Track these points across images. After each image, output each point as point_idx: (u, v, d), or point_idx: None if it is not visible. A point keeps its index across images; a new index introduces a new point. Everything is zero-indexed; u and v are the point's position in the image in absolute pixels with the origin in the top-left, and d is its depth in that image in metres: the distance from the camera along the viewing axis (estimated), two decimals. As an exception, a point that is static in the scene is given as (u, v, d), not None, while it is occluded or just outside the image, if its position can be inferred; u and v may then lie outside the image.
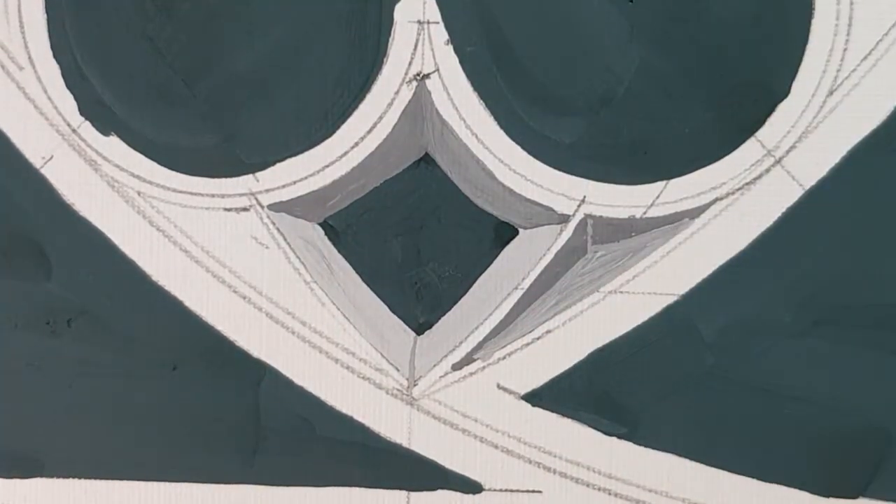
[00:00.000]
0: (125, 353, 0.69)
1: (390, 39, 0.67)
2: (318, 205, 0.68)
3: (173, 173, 0.68)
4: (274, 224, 0.68)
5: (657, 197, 0.67)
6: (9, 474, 0.70)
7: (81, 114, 0.68)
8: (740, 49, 0.66)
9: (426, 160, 0.68)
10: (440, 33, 0.67)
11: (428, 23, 0.66)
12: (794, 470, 0.68)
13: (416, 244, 0.69)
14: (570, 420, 0.69)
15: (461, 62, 0.67)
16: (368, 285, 0.69)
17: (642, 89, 0.66)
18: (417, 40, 0.67)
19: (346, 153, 0.68)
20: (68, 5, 0.67)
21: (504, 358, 0.69)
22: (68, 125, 0.68)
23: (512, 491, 0.69)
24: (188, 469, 0.70)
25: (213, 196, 0.68)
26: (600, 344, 0.68)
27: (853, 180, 0.67)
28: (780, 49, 0.66)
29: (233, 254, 0.68)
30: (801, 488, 0.68)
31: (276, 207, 0.68)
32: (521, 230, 0.68)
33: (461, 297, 0.69)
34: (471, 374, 0.69)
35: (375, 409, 0.69)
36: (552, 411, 0.69)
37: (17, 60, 0.67)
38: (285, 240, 0.68)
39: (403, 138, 0.68)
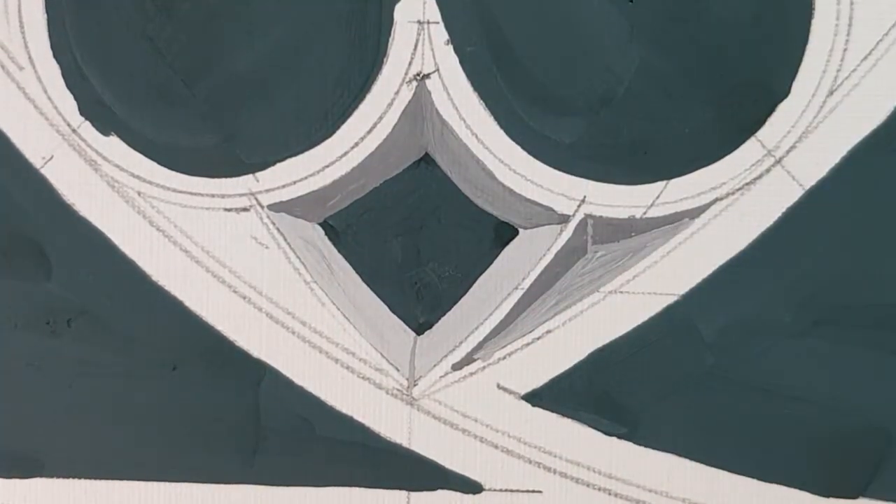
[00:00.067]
0: (125, 353, 0.69)
1: (390, 39, 0.67)
2: (318, 205, 0.68)
3: (173, 173, 0.68)
4: (274, 224, 0.68)
5: (657, 197, 0.67)
6: (9, 474, 0.70)
7: (81, 114, 0.68)
8: (740, 49, 0.66)
9: (426, 160, 0.68)
10: (440, 33, 0.67)
11: (428, 23, 0.66)
12: (794, 470, 0.68)
13: (416, 244, 0.69)
14: (570, 420, 0.69)
15: (461, 62, 0.67)
16: (368, 285, 0.69)
17: (642, 89, 0.66)
18: (417, 40, 0.67)
19: (346, 153, 0.68)
20: (68, 5, 0.67)
21: (504, 358, 0.69)
22: (68, 125, 0.68)
23: (512, 491, 0.69)
24: (188, 469, 0.70)
25: (213, 196, 0.68)
26: (600, 344, 0.68)
27: (853, 180, 0.67)
28: (780, 49, 0.66)
29: (233, 254, 0.68)
30: (801, 488, 0.68)
31: (276, 207, 0.68)
32: (521, 230, 0.68)
33: (461, 297, 0.69)
34: (471, 374, 0.69)
35: (375, 409, 0.69)
36: (552, 411, 0.69)
37: (17, 60, 0.67)
38: (285, 240, 0.68)
39: (403, 138, 0.68)
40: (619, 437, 0.69)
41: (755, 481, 0.68)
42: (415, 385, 0.69)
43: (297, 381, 0.69)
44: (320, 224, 0.69)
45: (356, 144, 0.67)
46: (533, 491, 0.69)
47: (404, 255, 0.69)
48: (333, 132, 0.67)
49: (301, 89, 0.67)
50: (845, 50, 0.66)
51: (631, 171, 0.67)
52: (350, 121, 0.67)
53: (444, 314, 0.69)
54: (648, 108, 0.67)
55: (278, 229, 0.68)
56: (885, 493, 0.68)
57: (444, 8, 0.66)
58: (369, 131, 0.67)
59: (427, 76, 0.67)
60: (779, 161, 0.67)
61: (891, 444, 0.68)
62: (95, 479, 0.70)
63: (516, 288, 0.68)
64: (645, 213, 0.67)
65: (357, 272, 0.69)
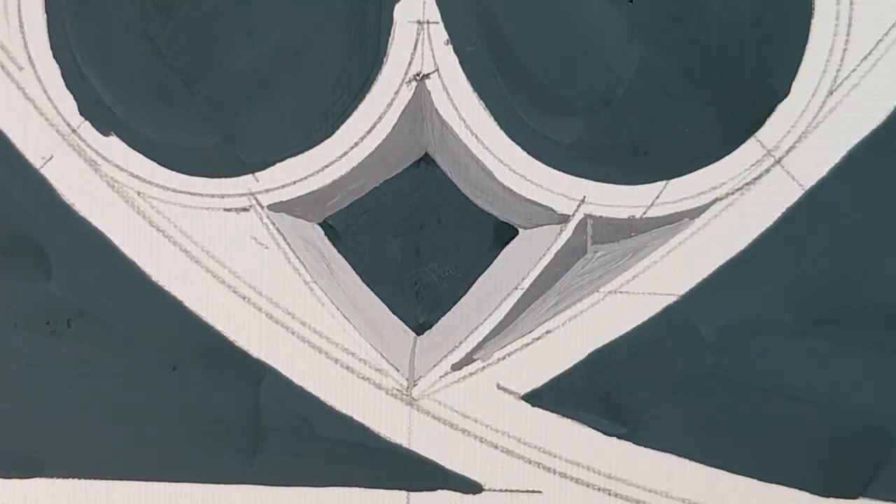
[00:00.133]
0: (125, 353, 0.69)
1: (390, 39, 0.67)
2: (318, 205, 0.68)
3: (173, 173, 0.68)
4: (274, 224, 0.68)
5: (657, 197, 0.67)
6: (9, 474, 0.70)
7: (81, 114, 0.68)
8: (740, 49, 0.66)
9: (426, 160, 0.68)
10: (440, 33, 0.67)
11: (428, 23, 0.66)
12: (794, 470, 0.68)
13: (416, 244, 0.69)
14: (570, 420, 0.69)
15: (461, 62, 0.67)
16: (368, 285, 0.69)
17: (642, 89, 0.66)
18: (417, 40, 0.67)
19: (345, 153, 0.68)
20: (68, 5, 0.67)
21: (504, 358, 0.69)
22: (68, 125, 0.68)
23: (512, 491, 0.69)
24: (188, 469, 0.70)
25: (213, 196, 0.68)
26: (600, 344, 0.68)
27: (853, 180, 0.67)
28: (780, 49, 0.66)
29: (233, 254, 0.68)
30: (801, 488, 0.68)
31: (276, 207, 0.68)
32: (521, 230, 0.68)
33: (461, 297, 0.69)
34: (471, 374, 0.69)
35: (375, 409, 0.69)
36: (552, 411, 0.69)
37: (17, 60, 0.67)
38: (285, 240, 0.68)
39: (403, 138, 0.68)
40: (619, 437, 0.69)
41: (755, 481, 0.68)
42: (414, 385, 0.69)
43: (297, 381, 0.69)
44: (320, 224, 0.69)
45: (356, 144, 0.67)
46: (533, 491, 0.69)
47: (404, 255, 0.69)
48: (333, 132, 0.67)
49: (301, 89, 0.67)
50: (845, 50, 0.66)
51: (631, 171, 0.67)
52: (350, 121, 0.67)
53: (443, 314, 0.69)
54: (648, 108, 0.66)
55: (278, 229, 0.68)
56: (885, 493, 0.68)
57: (443, 8, 0.66)
58: (369, 131, 0.67)
59: (427, 76, 0.67)
60: (779, 161, 0.67)
61: (891, 444, 0.68)
62: (95, 479, 0.70)
63: (516, 288, 0.68)
64: (645, 213, 0.67)
65: (357, 272, 0.69)
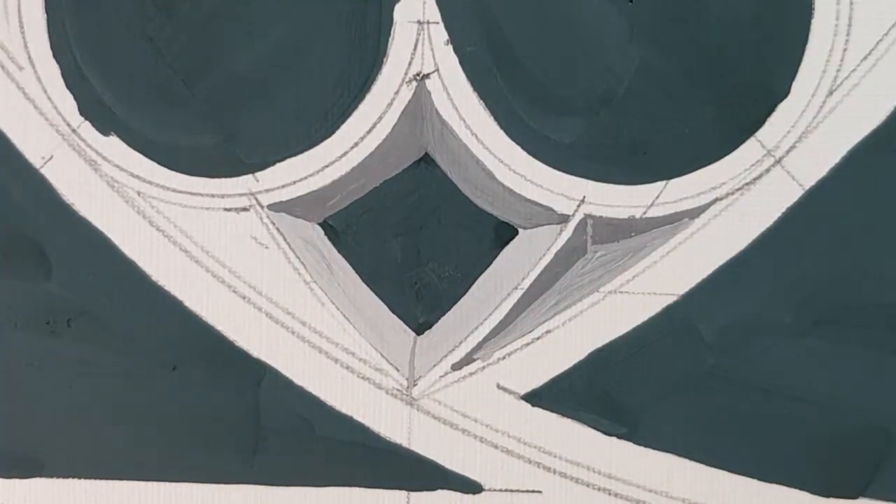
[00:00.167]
0: (125, 353, 0.69)
1: (390, 39, 0.67)
2: (318, 205, 0.68)
3: (173, 173, 0.68)
4: (274, 224, 0.68)
5: (657, 197, 0.67)
6: (9, 474, 0.70)
7: (81, 114, 0.68)
8: (740, 49, 0.66)
9: (426, 160, 0.68)
10: (440, 33, 0.67)
11: (428, 23, 0.66)
12: (794, 470, 0.68)
13: (416, 244, 0.69)
14: (570, 420, 0.69)
15: (461, 62, 0.67)
16: (368, 285, 0.69)
17: (642, 89, 0.66)
18: (417, 40, 0.67)
19: (346, 153, 0.68)
20: (68, 5, 0.67)
21: (504, 358, 0.69)
22: (68, 125, 0.68)
23: (512, 491, 0.69)
24: (188, 469, 0.70)
25: (213, 196, 0.68)
26: (600, 344, 0.68)
27: (853, 180, 0.67)
28: (780, 49, 0.66)
29: (233, 254, 0.68)
30: (801, 488, 0.68)
31: (276, 207, 0.68)
32: (521, 230, 0.68)
33: (461, 297, 0.69)
34: (471, 374, 0.69)
35: (375, 409, 0.69)
36: (552, 411, 0.69)
37: (17, 60, 0.67)
38: (285, 240, 0.68)
39: (403, 138, 0.68)
40: (619, 437, 0.69)
41: (755, 481, 0.68)
42: (414, 385, 0.69)
43: (297, 381, 0.69)
44: (320, 224, 0.69)
45: (356, 144, 0.67)
46: (533, 491, 0.69)
47: (404, 255, 0.69)
48: (333, 132, 0.67)
49: (301, 89, 0.67)
50: (845, 50, 0.66)
51: (631, 171, 0.67)
52: (350, 121, 0.67)
53: (443, 314, 0.69)
54: (648, 108, 0.66)
55: (278, 229, 0.68)
56: (885, 493, 0.68)
57: (443, 8, 0.66)
58: (369, 131, 0.67)
59: (427, 76, 0.67)
60: (779, 161, 0.67)
61: (891, 444, 0.68)
62: (95, 479, 0.70)
63: (516, 288, 0.68)
64: (645, 213, 0.67)
65: (357, 272, 0.69)
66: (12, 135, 0.68)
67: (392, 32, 0.67)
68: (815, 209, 0.67)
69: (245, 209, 0.68)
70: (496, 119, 0.67)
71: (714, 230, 0.67)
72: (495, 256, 0.69)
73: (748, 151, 0.66)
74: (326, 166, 0.68)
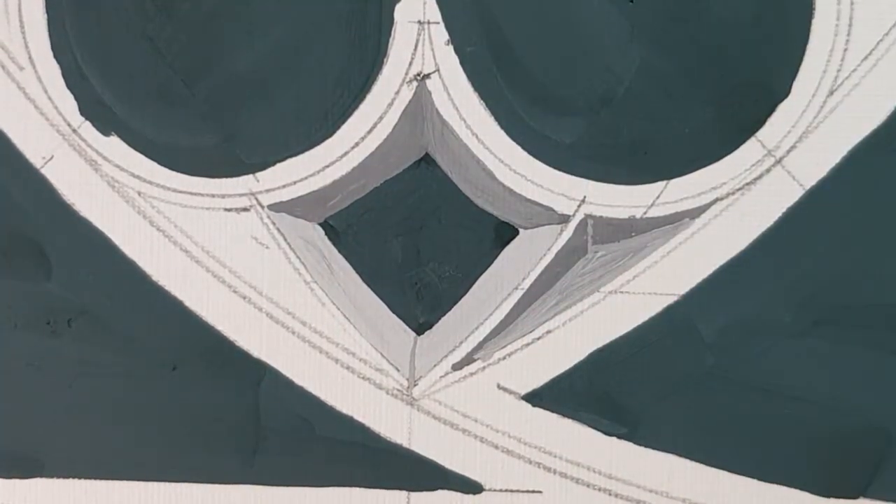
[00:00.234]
0: (125, 353, 0.69)
1: (390, 39, 0.67)
2: (319, 205, 0.68)
3: (173, 173, 0.68)
4: (274, 224, 0.68)
5: (657, 197, 0.67)
6: (9, 474, 0.70)
7: (81, 114, 0.68)
8: (740, 49, 0.66)
9: (426, 160, 0.68)
10: (440, 33, 0.67)
11: (428, 23, 0.66)
12: (794, 470, 0.68)
13: (416, 244, 0.69)
14: (570, 420, 0.69)
15: (461, 62, 0.67)
16: (368, 285, 0.69)
17: (642, 89, 0.66)
18: (417, 40, 0.67)
19: (346, 153, 0.68)
20: (68, 5, 0.67)
21: (504, 358, 0.69)
22: (68, 125, 0.68)
23: (512, 491, 0.69)
24: (188, 469, 0.70)
25: (213, 196, 0.68)
26: (600, 344, 0.68)
27: (853, 180, 0.67)
28: (780, 49, 0.66)
29: (233, 254, 0.68)
30: (801, 488, 0.68)
31: (276, 207, 0.68)
32: (521, 230, 0.68)
33: (461, 297, 0.69)
34: (471, 374, 0.69)
35: (375, 409, 0.69)
36: (552, 411, 0.69)
37: (17, 60, 0.67)
38: (285, 240, 0.68)
39: (403, 138, 0.68)
40: (619, 437, 0.69)
41: (755, 481, 0.68)
42: (415, 385, 0.69)
43: (297, 381, 0.69)
44: (320, 224, 0.69)
45: (356, 144, 0.67)
46: (533, 491, 0.69)
47: (404, 255, 0.69)
48: (333, 132, 0.67)
49: (301, 89, 0.67)
50: (845, 50, 0.66)
51: (631, 171, 0.67)
52: (350, 121, 0.67)
53: (444, 314, 0.69)
54: (648, 108, 0.67)
55: (278, 229, 0.68)
56: (885, 493, 0.68)
57: (444, 8, 0.66)
58: (369, 131, 0.67)
59: (427, 76, 0.67)
60: (779, 161, 0.67)
61: (891, 444, 0.68)
62: (95, 479, 0.70)
63: (516, 288, 0.68)
64: (645, 213, 0.67)
65: (357, 272, 0.69)
66: (13, 135, 0.68)
67: (392, 32, 0.67)
68: (815, 209, 0.67)
69: (245, 209, 0.68)
70: (496, 119, 0.67)
71: (714, 230, 0.67)
72: (495, 256, 0.69)
73: (748, 151, 0.67)
74: (327, 166, 0.68)
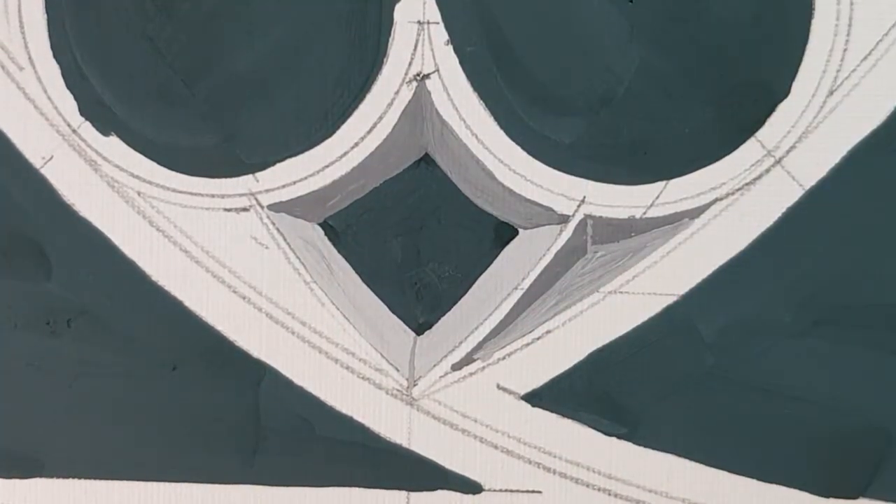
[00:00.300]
0: (125, 353, 0.69)
1: (390, 39, 0.67)
2: (318, 205, 0.68)
3: (173, 173, 0.68)
4: (274, 224, 0.68)
5: (657, 197, 0.67)
6: (9, 474, 0.70)
7: (81, 114, 0.68)
8: (740, 49, 0.66)
9: (426, 160, 0.68)
10: (440, 33, 0.67)
11: (428, 23, 0.66)
12: (794, 470, 0.68)
13: (416, 244, 0.69)
14: (570, 420, 0.69)
15: (461, 62, 0.67)
16: (368, 285, 0.69)
17: (642, 89, 0.66)
18: (417, 40, 0.67)
19: (346, 153, 0.68)
20: (68, 5, 0.67)
21: (504, 358, 0.69)
22: (68, 125, 0.68)
23: (512, 491, 0.69)
24: (188, 469, 0.70)
25: (213, 196, 0.68)
26: (600, 344, 0.68)
27: (853, 180, 0.67)
28: (780, 49, 0.66)
29: (233, 254, 0.68)
30: (801, 488, 0.68)
31: (276, 208, 0.68)
32: (521, 230, 0.68)
33: (461, 297, 0.69)
34: (471, 374, 0.69)
35: (375, 409, 0.69)
36: (552, 411, 0.69)
37: (17, 60, 0.67)
38: (285, 240, 0.68)
39: (403, 138, 0.68)
40: (619, 437, 0.69)
41: (755, 481, 0.68)
42: (414, 385, 0.69)
43: (297, 381, 0.69)
44: (320, 224, 0.69)
45: (356, 144, 0.67)
46: (533, 491, 0.69)
47: (404, 255, 0.69)
48: (333, 132, 0.67)
49: (301, 89, 0.67)
50: (845, 50, 0.66)
51: (631, 171, 0.67)
52: (350, 121, 0.67)
53: (443, 314, 0.69)
54: (648, 108, 0.67)
55: (278, 229, 0.68)
56: (885, 493, 0.68)
57: (444, 8, 0.66)
58: (369, 131, 0.67)
59: (427, 76, 0.67)
60: (779, 161, 0.67)
61: (891, 444, 0.68)
62: (95, 479, 0.70)
63: (516, 288, 0.68)
64: (645, 213, 0.67)
65: (357, 272, 0.69)
66: (12, 135, 0.68)
67: (392, 32, 0.67)
68: (815, 209, 0.67)
69: (245, 209, 0.68)
70: (496, 119, 0.67)
71: (714, 230, 0.67)
72: (495, 256, 0.69)
73: (748, 151, 0.66)
74: (326, 166, 0.68)
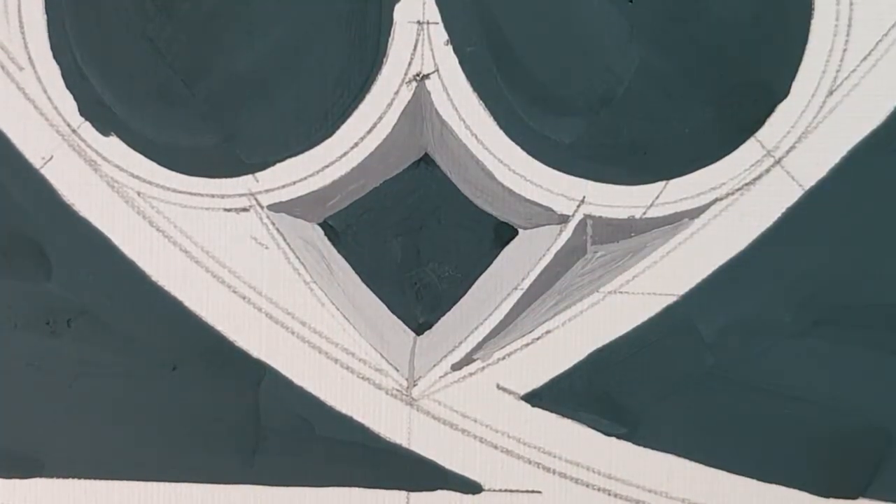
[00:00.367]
0: (125, 353, 0.69)
1: (390, 39, 0.67)
2: (318, 205, 0.68)
3: (173, 173, 0.68)
4: (274, 224, 0.68)
5: (657, 197, 0.67)
6: (9, 474, 0.70)
7: (81, 114, 0.68)
8: (740, 49, 0.66)
9: (426, 160, 0.68)
10: (440, 33, 0.67)
11: (428, 23, 0.66)
12: (794, 470, 0.68)
13: (416, 244, 0.69)
14: (570, 420, 0.69)
15: (461, 62, 0.67)
16: (368, 285, 0.69)
17: (642, 89, 0.66)
18: (417, 40, 0.67)
19: (345, 153, 0.68)
20: (68, 5, 0.67)
21: (504, 358, 0.69)
22: (68, 125, 0.68)
23: (512, 491, 0.69)
24: (188, 469, 0.70)
25: (213, 196, 0.68)
26: (600, 344, 0.68)
27: (853, 180, 0.67)
28: (780, 49, 0.66)
29: (233, 254, 0.68)
30: (801, 488, 0.68)
31: (275, 208, 0.68)
32: (520, 230, 0.68)
33: (461, 297, 0.69)
34: (470, 374, 0.69)
35: (375, 409, 0.69)
36: (552, 411, 0.69)
37: (17, 60, 0.67)
38: (285, 240, 0.68)
39: (403, 138, 0.68)
40: (619, 437, 0.69)
41: (755, 481, 0.68)
42: (414, 385, 0.69)
43: (297, 381, 0.69)
44: (320, 224, 0.69)
45: (356, 144, 0.67)
46: (532, 491, 0.69)
47: (404, 255, 0.69)
48: (333, 132, 0.67)
49: (301, 89, 0.67)
50: (845, 50, 0.66)
51: (631, 171, 0.67)
52: (350, 121, 0.67)
53: (443, 314, 0.69)
54: (648, 108, 0.67)
55: (278, 229, 0.68)
56: (885, 494, 0.68)
57: (443, 8, 0.66)
58: (369, 131, 0.67)
59: (427, 76, 0.67)
60: (778, 161, 0.67)
61: (891, 444, 0.68)
62: (95, 479, 0.70)
63: (516, 288, 0.68)
64: (645, 213, 0.67)
65: (357, 272, 0.69)
66: (12, 135, 0.68)
67: (392, 32, 0.67)
68: (815, 209, 0.67)
69: (245, 209, 0.68)
70: (496, 119, 0.67)
71: (714, 230, 0.67)
72: (495, 256, 0.69)
73: (748, 151, 0.66)
74: (326, 166, 0.68)
